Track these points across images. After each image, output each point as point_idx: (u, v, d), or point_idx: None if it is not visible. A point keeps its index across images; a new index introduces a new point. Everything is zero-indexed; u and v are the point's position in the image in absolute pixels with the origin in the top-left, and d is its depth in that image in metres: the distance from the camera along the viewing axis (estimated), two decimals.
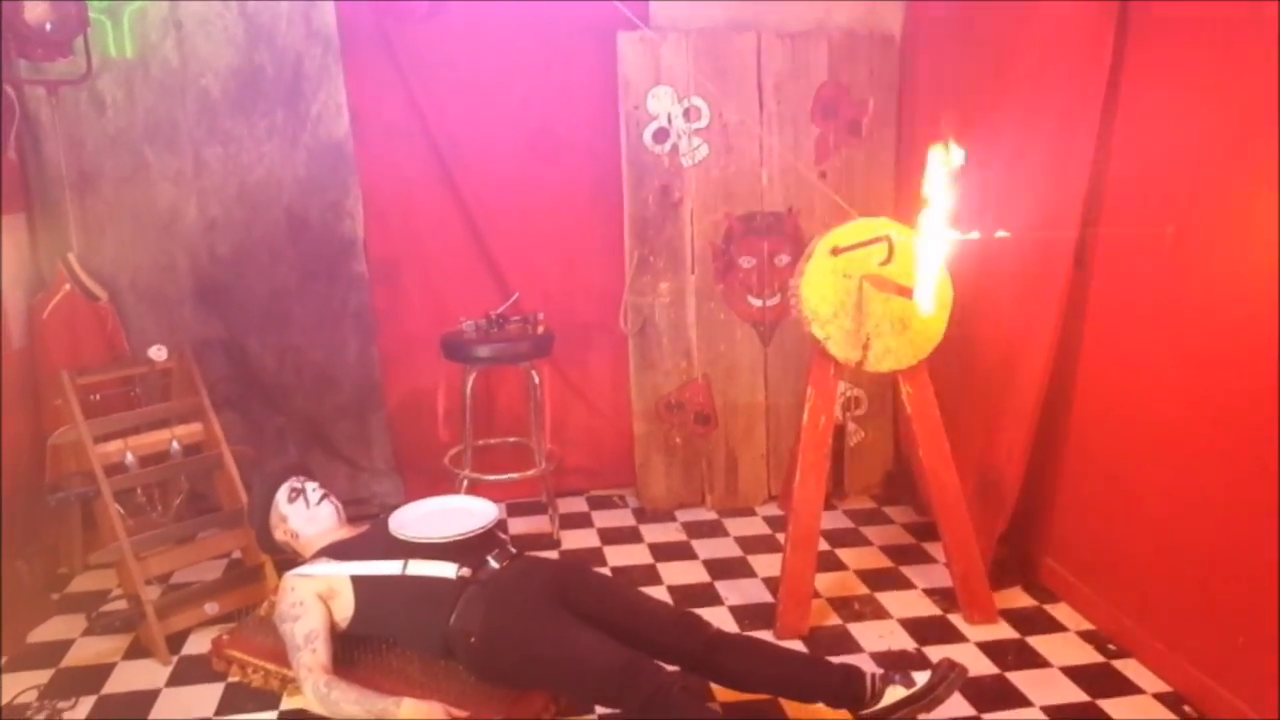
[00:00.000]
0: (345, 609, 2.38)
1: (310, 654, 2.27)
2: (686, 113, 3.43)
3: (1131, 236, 2.51)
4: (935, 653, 2.60)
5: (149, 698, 2.49)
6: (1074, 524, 2.88)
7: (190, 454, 3.00)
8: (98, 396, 2.95)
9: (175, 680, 2.56)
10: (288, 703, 2.43)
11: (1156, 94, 2.46)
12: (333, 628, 2.36)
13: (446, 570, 2.34)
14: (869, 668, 2.27)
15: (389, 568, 2.38)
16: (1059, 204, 2.70)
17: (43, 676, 2.58)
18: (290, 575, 2.43)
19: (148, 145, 3.29)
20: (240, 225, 3.40)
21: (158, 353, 3.02)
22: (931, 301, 2.49)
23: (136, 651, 2.70)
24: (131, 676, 2.59)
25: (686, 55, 3.39)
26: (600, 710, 2.36)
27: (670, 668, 2.22)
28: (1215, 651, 2.30)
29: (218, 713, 2.41)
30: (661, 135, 3.45)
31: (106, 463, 2.78)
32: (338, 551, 2.47)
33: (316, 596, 2.36)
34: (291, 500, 2.61)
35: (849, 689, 2.21)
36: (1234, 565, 2.21)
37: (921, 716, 2.21)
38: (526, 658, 2.21)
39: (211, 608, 2.78)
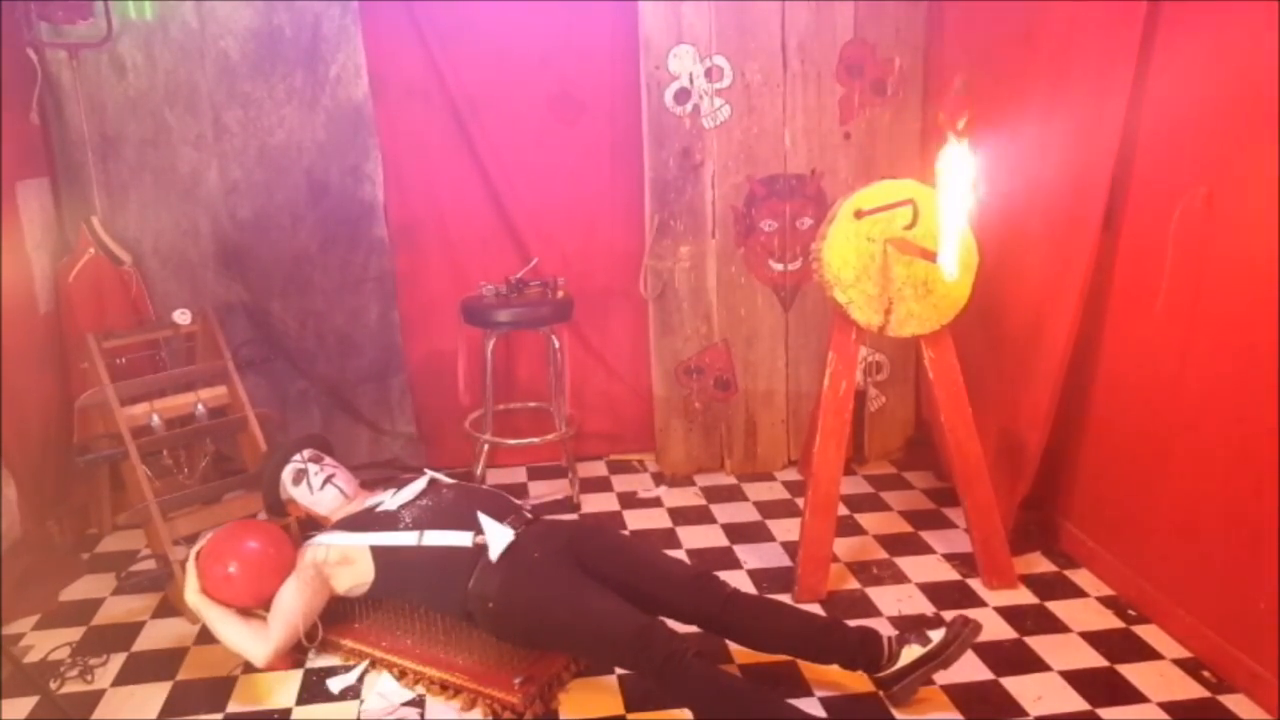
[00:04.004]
0: (364, 576, 2.43)
1: (279, 625, 2.35)
2: (708, 72, 3.38)
3: (1162, 198, 2.45)
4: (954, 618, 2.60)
5: (178, 655, 2.54)
6: (1096, 490, 2.86)
7: (215, 417, 3.03)
8: (124, 360, 2.99)
9: (203, 639, 2.61)
10: (313, 660, 2.48)
11: (1191, 52, 2.39)
12: (330, 600, 2.45)
13: (463, 539, 2.37)
14: (886, 631, 2.27)
15: (405, 538, 2.41)
16: (1089, 165, 2.64)
17: (74, 634, 2.64)
18: (310, 543, 2.48)
19: (168, 108, 3.29)
20: (261, 189, 3.40)
21: (182, 316, 3.04)
22: (956, 265, 2.46)
23: (165, 610, 2.76)
24: (160, 634, 2.65)
25: (709, 13, 3.33)
26: (620, 671, 2.38)
27: (687, 628, 2.23)
28: (1236, 617, 2.29)
29: (245, 671, 2.45)
30: (683, 96, 3.40)
31: (133, 425, 2.82)
32: (355, 524, 2.51)
33: (322, 573, 2.42)
34: (296, 483, 2.64)
35: (865, 652, 2.22)
36: (1255, 531, 2.19)
37: (939, 676, 2.22)
38: (542, 622, 2.24)
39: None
